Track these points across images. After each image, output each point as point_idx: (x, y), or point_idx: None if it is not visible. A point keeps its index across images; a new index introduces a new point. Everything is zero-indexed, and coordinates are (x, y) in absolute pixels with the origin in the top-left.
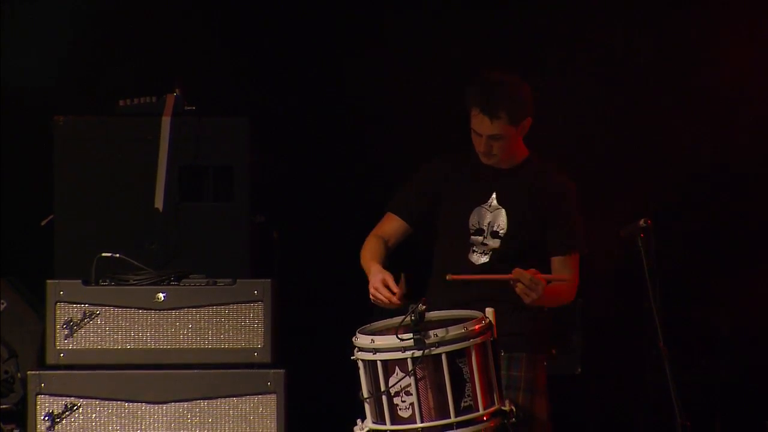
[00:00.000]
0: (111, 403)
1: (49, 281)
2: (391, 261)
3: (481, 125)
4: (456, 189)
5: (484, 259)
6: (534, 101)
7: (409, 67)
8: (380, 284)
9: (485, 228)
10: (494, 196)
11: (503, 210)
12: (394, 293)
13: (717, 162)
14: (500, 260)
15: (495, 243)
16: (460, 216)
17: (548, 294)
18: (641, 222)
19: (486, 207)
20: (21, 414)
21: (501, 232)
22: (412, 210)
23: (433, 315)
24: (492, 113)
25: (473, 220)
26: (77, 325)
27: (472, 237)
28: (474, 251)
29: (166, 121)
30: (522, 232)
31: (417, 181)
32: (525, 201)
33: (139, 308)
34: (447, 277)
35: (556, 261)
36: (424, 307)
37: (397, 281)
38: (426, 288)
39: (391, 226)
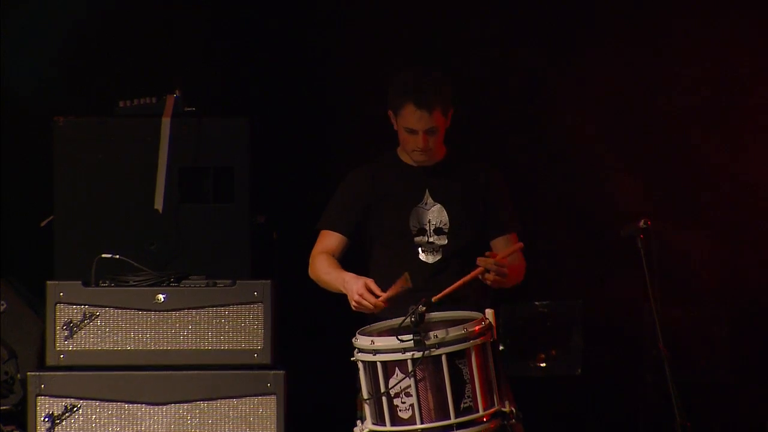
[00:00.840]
0: (111, 404)
1: (48, 282)
2: None
3: (418, 120)
4: (388, 194)
5: (436, 257)
6: (452, 86)
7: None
8: (364, 290)
9: (426, 227)
10: (428, 193)
11: (441, 206)
12: (377, 296)
13: (718, 161)
14: (453, 255)
15: (442, 240)
16: (400, 219)
17: (512, 272)
18: (641, 222)
19: (422, 206)
20: (21, 415)
21: (444, 227)
22: (347, 222)
23: (433, 316)
24: (429, 106)
25: (413, 222)
26: (77, 326)
27: (415, 238)
28: (423, 251)
29: (166, 122)
30: (465, 223)
31: (346, 194)
32: (458, 193)
33: (139, 309)
34: (433, 299)
35: (499, 242)
36: (424, 308)
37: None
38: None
39: (331, 242)
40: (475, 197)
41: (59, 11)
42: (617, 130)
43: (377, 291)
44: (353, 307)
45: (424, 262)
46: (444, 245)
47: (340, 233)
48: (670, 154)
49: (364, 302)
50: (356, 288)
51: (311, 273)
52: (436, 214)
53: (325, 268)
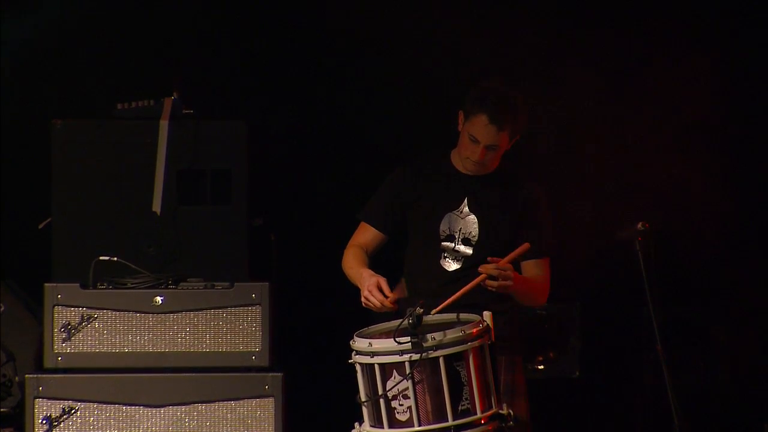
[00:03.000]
0: (109, 406)
1: (46, 285)
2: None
3: (485, 134)
4: (427, 195)
5: (456, 265)
6: (528, 117)
7: (408, 72)
8: (374, 287)
9: (456, 234)
10: (466, 202)
11: (474, 216)
12: (386, 297)
13: (716, 164)
14: (473, 266)
15: (467, 250)
16: (431, 222)
17: (522, 284)
18: (639, 225)
19: (457, 213)
20: (19, 417)
21: (473, 239)
22: (385, 219)
23: (431, 318)
24: (501, 124)
25: (444, 226)
26: (75, 328)
27: (442, 243)
28: (445, 257)
29: (164, 125)
30: (493, 239)
31: (387, 189)
32: (496, 208)
33: (136, 311)
34: (432, 312)
35: (529, 265)
36: (421, 310)
37: (392, 287)
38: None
39: (367, 235)
40: (510, 215)
41: (57, 14)
42: (616, 131)
43: (387, 291)
44: (362, 303)
45: (444, 268)
46: (468, 256)
47: (377, 228)
48: (669, 156)
49: (372, 299)
50: (367, 284)
51: (342, 265)
52: (468, 224)
53: (350, 261)
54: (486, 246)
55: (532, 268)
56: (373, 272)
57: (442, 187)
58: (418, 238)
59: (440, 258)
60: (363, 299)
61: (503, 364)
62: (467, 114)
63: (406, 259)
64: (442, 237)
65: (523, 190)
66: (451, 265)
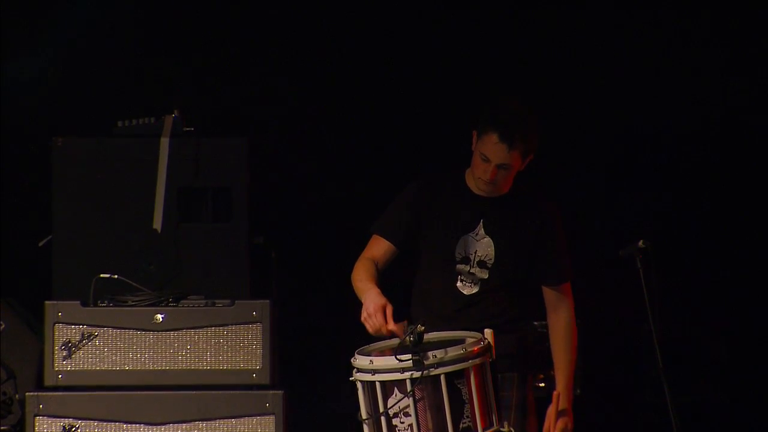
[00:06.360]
0: (109, 424)
1: (47, 302)
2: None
3: (496, 153)
4: (442, 215)
5: (474, 289)
6: (540, 136)
7: (413, 88)
8: (379, 309)
9: (471, 257)
10: (481, 224)
11: (490, 239)
12: (387, 321)
13: (717, 182)
14: (490, 290)
15: (483, 273)
16: (447, 244)
17: (570, 380)
18: (640, 243)
19: (473, 236)
20: None
21: (489, 262)
22: (398, 233)
23: (432, 336)
24: (512, 143)
25: (459, 249)
26: (75, 346)
27: (457, 265)
28: (462, 280)
29: (164, 142)
30: (509, 263)
31: (403, 203)
32: (512, 230)
33: (137, 329)
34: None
35: (551, 292)
36: (422, 327)
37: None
38: (408, 310)
39: (379, 248)
40: (526, 239)
41: (58, 32)
42: (618, 148)
43: (390, 318)
44: (361, 318)
45: (460, 291)
46: (484, 279)
47: (390, 241)
48: (671, 175)
49: (373, 320)
50: (374, 304)
51: (352, 274)
52: (484, 247)
53: (360, 273)
54: (501, 270)
55: (554, 296)
56: (380, 292)
57: (457, 208)
58: (432, 260)
59: (456, 281)
60: (363, 316)
61: (515, 381)
62: (479, 133)
63: (417, 281)
64: (457, 259)
65: (538, 212)
66: (468, 289)
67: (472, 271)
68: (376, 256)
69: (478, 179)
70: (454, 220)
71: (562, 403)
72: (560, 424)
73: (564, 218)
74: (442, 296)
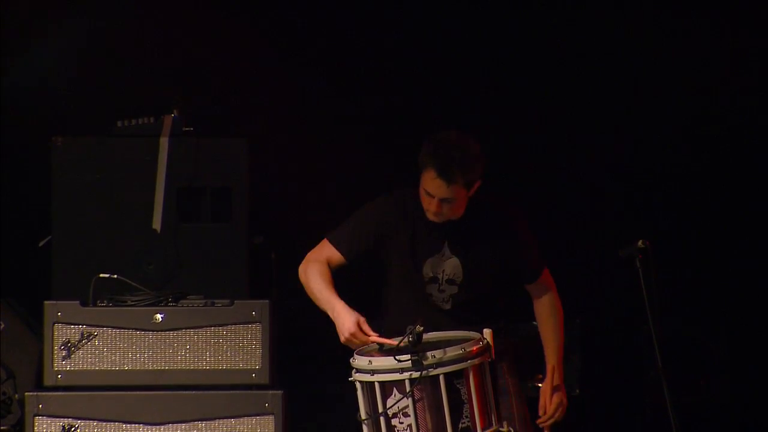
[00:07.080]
0: (109, 424)
1: (46, 302)
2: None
3: (437, 188)
4: (407, 236)
5: (447, 306)
6: (485, 163)
7: (410, 88)
8: (356, 328)
9: (439, 276)
10: (446, 245)
11: (456, 259)
12: (368, 335)
13: (716, 181)
14: (461, 304)
15: (453, 289)
16: (414, 266)
17: (561, 351)
18: (639, 243)
19: (439, 257)
20: None
21: (458, 280)
22: (352, 248)
23: (431, 336)
24: (449, 179)
25: (426, 270)
26: (75, 346)
27: (427, 286)
28: (434, 299)
29: (164, 142)
30: (478, 279)
31: (362, 220)
32: (477, 247)
33: (136, 329)
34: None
35: (532, 288)
36: (421, 328)
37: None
38: (380, 322)
39: (332, 256)
40: (493, 252)
41: (59, 33)
42: (617, 149)
43: (368, 330)
44: (342, 341)
45: (438, 307)
46: (454, 294)
47: (342, 255)
48: (671, 173)
49: (355, 341)
50: (348, 326)
51: (302, 275)
52: (451, 267)
53: (319, 282)
54: (471, 286)
55: (535, 289)
56: (348, 308)
57: (422, 230)
58: (400, 281)
59: (428, 300)
60: (343, 339)
61: (505, 369)
62: (420, 168)
63: (390, 295)
64: (426, 280)
65: (500, 224)
66: (442, 304)
67: (442, 288)
68: (329, 261)
69: (427, 211)
70: (419, 243)
71: (557, 378)
72: (556, 398)
73: (559, 217)
74: (416, 310)
